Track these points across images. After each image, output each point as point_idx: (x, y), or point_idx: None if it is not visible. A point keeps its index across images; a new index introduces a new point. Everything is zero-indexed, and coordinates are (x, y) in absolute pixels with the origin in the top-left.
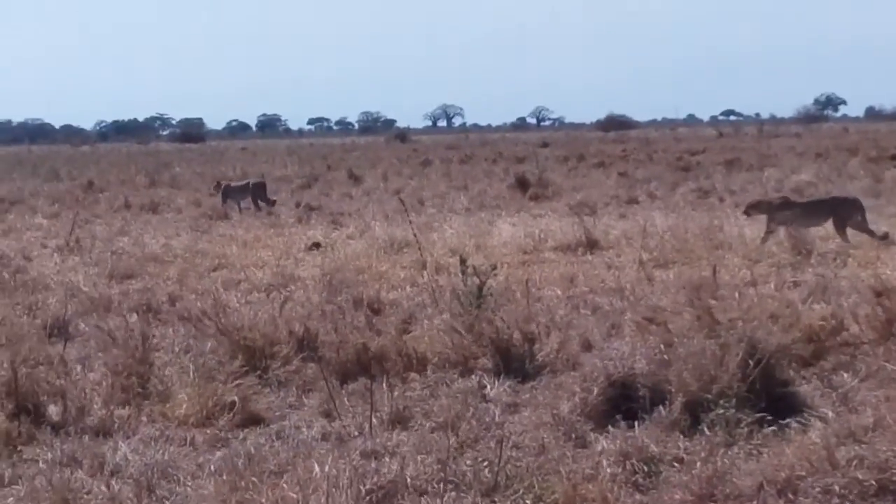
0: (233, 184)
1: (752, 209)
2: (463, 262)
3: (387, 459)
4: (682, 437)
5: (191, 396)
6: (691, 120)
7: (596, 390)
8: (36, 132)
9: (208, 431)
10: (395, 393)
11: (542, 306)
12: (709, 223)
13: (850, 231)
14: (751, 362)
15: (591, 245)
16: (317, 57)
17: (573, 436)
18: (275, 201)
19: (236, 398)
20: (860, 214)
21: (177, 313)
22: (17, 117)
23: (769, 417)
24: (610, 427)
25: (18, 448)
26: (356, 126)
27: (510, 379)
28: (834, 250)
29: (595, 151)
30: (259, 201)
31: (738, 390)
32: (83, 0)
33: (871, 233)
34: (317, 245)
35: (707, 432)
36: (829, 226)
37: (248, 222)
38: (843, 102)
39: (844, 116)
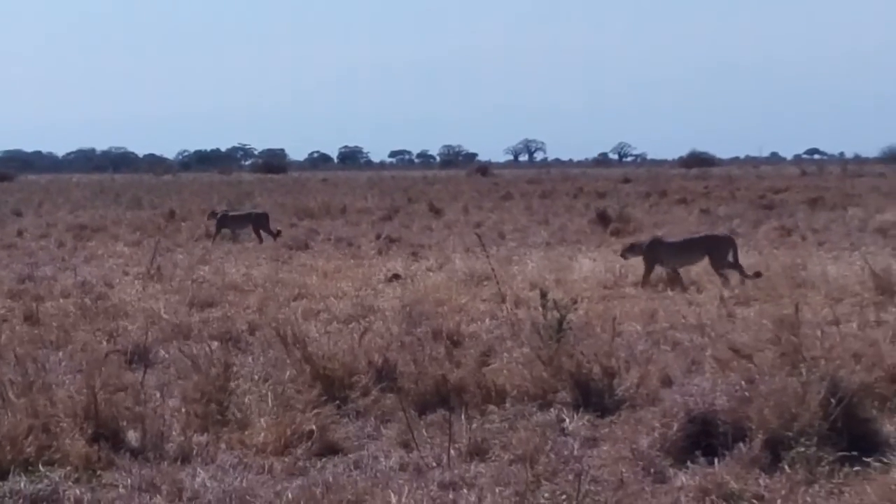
0: (231, 213)
1: (627, 252)
2: (543, 295)
3: (465, 491)
4: (762, 474)
5: (269, 424)
6: (774, 158)
7: (676, 426)
8: (119, 161)
9: (286, 460)
10: (474, 425)
11: (622, 341)
12: (791, 261)
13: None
14: (833, 400)
15: (672, 281)
16: (399, 90)
17: (652, 471)
18: (279, 232)
19: (315, 427)
20: (733, 252)
21: (257, 342)
22: (101, 146)
23: (851, 456)
24: (689, 463)
25: (98, 473)
26: (437, 159)
27: (589, 413)
28: None
29: (677, 188)
30: (261, 232)
31: (820, 428)
32: (165, 32)
33: (742, 271)
34: (396, 276)
35: (788, 470)
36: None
37: (328, 253)
38: None
39: None
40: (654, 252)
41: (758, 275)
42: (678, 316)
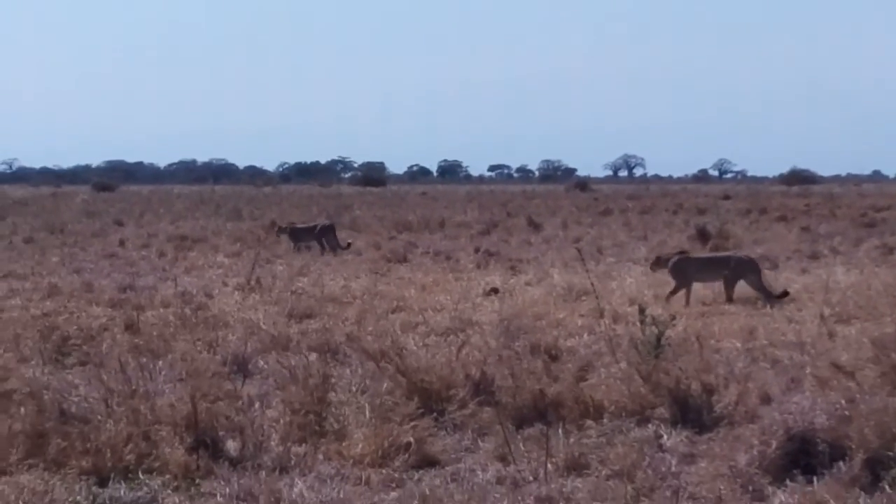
0: (299, 225)
1: (654, 265)
2: (642, 311)
3: None
4: (862, 494)
5: (367, 436)
6: (877, 176)
7: (775, 444)
8: (220, 172)
9: (383, 471)
10: (571, 439)
11: (720, 358)
12: (893, 280)
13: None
14: None
15: (772, 298)
16: (499, 105)
17: (750, 489)
18: (349, 244)
19: (412, 439)
20: (755, 275)
21: (355, 354)
22: (202, 157)
23: None
24: (788, 481)
25: (196, 481)
26: (536, 174)
27: (687, 429)
28: None
29: (777, 205)
30: (325, 243)
31: None
32: (267, 46)
33: (766, 293)
34: (495, 290)
35: (888, 490)
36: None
37: (427, 266)
38: None
39: None
40: (681, 267)
41: (785, 294)
42: (777, 333)
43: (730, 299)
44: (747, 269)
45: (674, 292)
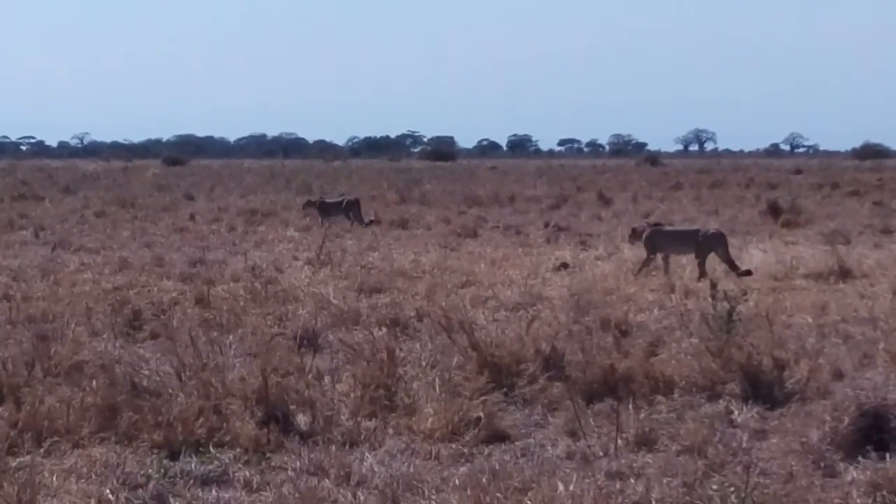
0: (327, 200)
1: (631, 237)
2: (713, 286)
3: (632, 481)
4: None
5: (437, 411)
6: None
7: (847, 420)
8: (290, 146)
9: (453, 446)
10: (642, 415)
11: (791, 333)
12: None
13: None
14: None
15: (844, 274)
16: (569, 78)
17: (822, 465)
18: (372, 221)
19: (482, 414)
20: (723, 248)
21: (425, 328)
22: (272, 132)
23: None
24: (860, 458)
25: (267, 455)
26: (606, 148)
27: (758, 405)
28: None
29: (850, 180)
30: (352, 217)
31: None
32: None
33: (734, 266)
34: (565, 265)
35: None
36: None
37: (496, 241)
38: None
39: None
40: (654, 239)
41: (748, 272)
42: (849, 309)
43: (703, 273)
44: (716, 242)
45: (645, 263)
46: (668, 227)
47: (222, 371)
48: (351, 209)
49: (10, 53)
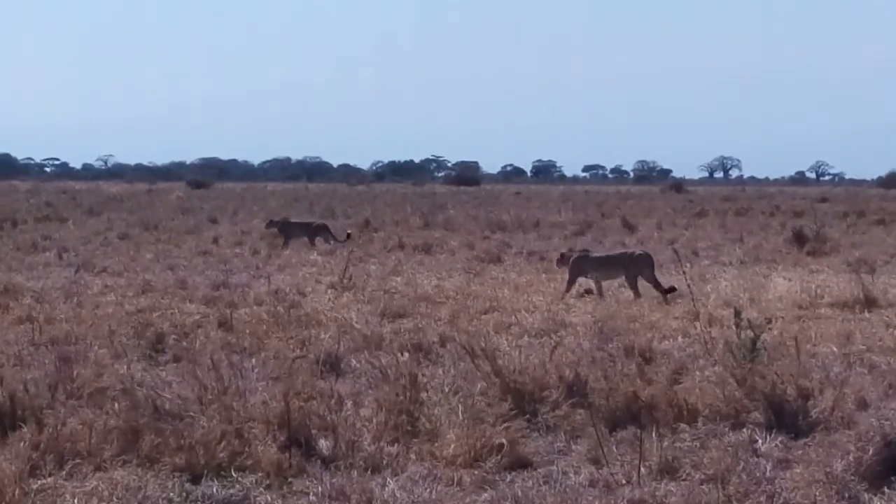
0: (292, 220)
1: (559, 262)
2: (737, 314)
3: None
4: None
5: (459, 437)
6: None
7: (871, 450)
8: (314, 170)
9: (476, 472)
10: (665, 443)
11: (816, 362)
12: None
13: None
14: None
15: (869, 303)
16: (595, 105)
17: (846, 495)
18: (349, 235)
19: (504, 441)
20: (649, 269)
21: (448, 354)
22: (296, 155)
23: None
24: (885, 489)
25: (289, 480)
26: (631, 174)
27: (782, 434)
28: None
29: (876, 208)
30: (315, 239)
31: None
32: (362, 45)
33: (659, 287)
34: (588, 291)
35: None
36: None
37: (520, 266)
38: None
39: None
40: (580, 265)
41: (672, 289)
42: (875, 338)
43: (637, 295)
44: (643, 264)
45: (567, 289)
46: (595, 254)
47: (244, 395)
48: (319, 233)
49: (35, 75)
